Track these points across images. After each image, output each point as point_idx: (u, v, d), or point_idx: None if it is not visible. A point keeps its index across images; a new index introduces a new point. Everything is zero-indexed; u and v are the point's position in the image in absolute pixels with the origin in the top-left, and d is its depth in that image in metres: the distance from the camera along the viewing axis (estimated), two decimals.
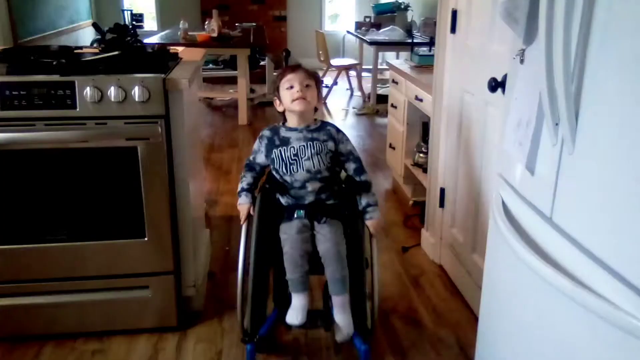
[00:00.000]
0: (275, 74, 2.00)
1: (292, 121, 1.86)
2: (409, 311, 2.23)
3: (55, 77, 1.81)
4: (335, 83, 6.64)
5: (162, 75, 1.88)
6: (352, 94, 6.73)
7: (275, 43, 7.43)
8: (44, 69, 1.86)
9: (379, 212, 1.86)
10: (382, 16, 6.69)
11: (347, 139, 1.90)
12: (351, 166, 1.88)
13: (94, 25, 2.56)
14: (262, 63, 6.86)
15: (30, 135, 1.82)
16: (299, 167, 1.82)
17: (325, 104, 6.20)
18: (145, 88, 1.83)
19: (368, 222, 1.85)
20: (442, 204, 2.53)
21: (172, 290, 2.05)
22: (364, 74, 6.70)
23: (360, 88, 6.47)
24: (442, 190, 2.52)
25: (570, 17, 1.07)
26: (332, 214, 1.84)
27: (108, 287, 2.00)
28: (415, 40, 5.12)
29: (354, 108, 6.05)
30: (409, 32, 5.77)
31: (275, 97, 1.89)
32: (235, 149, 4.50)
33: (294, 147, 1.83)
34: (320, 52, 6.53)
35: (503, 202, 1.46)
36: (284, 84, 1.83)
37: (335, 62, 6.65)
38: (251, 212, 1.84)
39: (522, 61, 1.36)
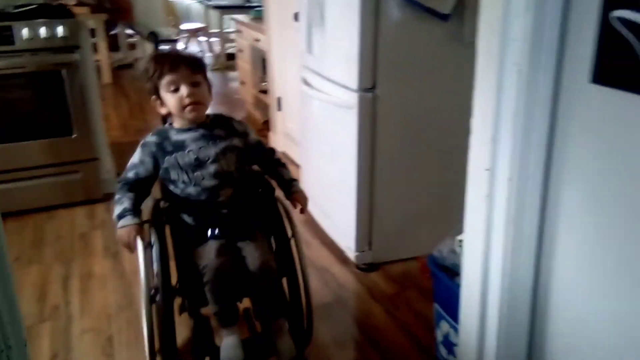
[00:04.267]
0: (150, 54, 1.67)
1: (181, 122, 1.56)
2: None
3: None
4: (186, 47, 7.46)
5: (76, 19, 2.74)
6: (204, 55, 7.61)
7: (123, 12, 7.98)
8: None
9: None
10: None
11: (251, 128, 1.67)
12: (264, 155, 1.67)
13: None
14: (111, 32, 7.41)
15: None
16: (204, 173, 1.50)
17: None
18: (65, 27, 2.67)
19: (296, 196, 1.63)
20: (279, 108, 3.67)
21: (96, 173, 2.93)
22: (212, 37, 7.60)
23: (210, 48, 7.38)
24: (279, 99, 3.66)
25: None
26: (253, 225, 1.58)
27: (50, 174, 2.83)
28: (252, 4, 6.21)
29: (207, 65, 6.97)
30: None
31: (155, 98, 1.55)
32: (105, 101, 5.24)
33: (192, 150, 1.52)
34: (171, 18, 7.30)
35: (303, 78, 2.62)
36: (166, 85, 1.50)
37: (184, 27, 7.46)
38: (141, 237, 1.48)
39: None
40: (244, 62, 4.50)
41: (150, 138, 1.57)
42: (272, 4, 3.53)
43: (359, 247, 2.28)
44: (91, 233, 2.63)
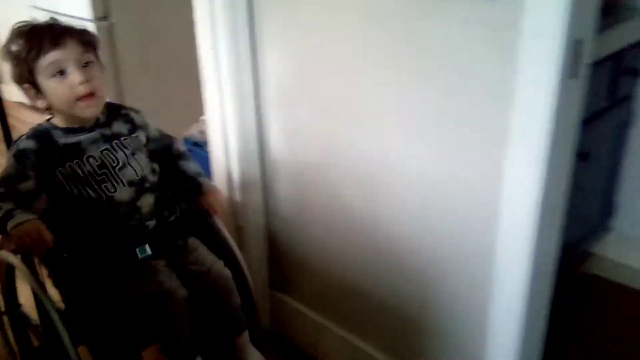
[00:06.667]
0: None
1: (68, 119, 1.23)
2: None
3: None
4: None
5: None
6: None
7: None
8: None
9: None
10: None
11: (147, 117, 1.40)
12: (167, 148, 1.41)
13: None
14: None
15: None
16: (115, 183, 1.23)
17: None
18: None
19: (209, 196, 1.37)
20: None
21: None
22: None
23: None
24: None
25: None
26: (187, 232, 1.34)
27: None
28: None
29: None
30: None
31: (28, 87, 1.19)
32: None
33: (93, 155, 1.22)
34: None
35: (33, 18, 2.66)
36: (47, 67, 1.15)
37: None
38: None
39: None
40: None
41: (26, 143, 1.20)
42: None
43: None
44: None
